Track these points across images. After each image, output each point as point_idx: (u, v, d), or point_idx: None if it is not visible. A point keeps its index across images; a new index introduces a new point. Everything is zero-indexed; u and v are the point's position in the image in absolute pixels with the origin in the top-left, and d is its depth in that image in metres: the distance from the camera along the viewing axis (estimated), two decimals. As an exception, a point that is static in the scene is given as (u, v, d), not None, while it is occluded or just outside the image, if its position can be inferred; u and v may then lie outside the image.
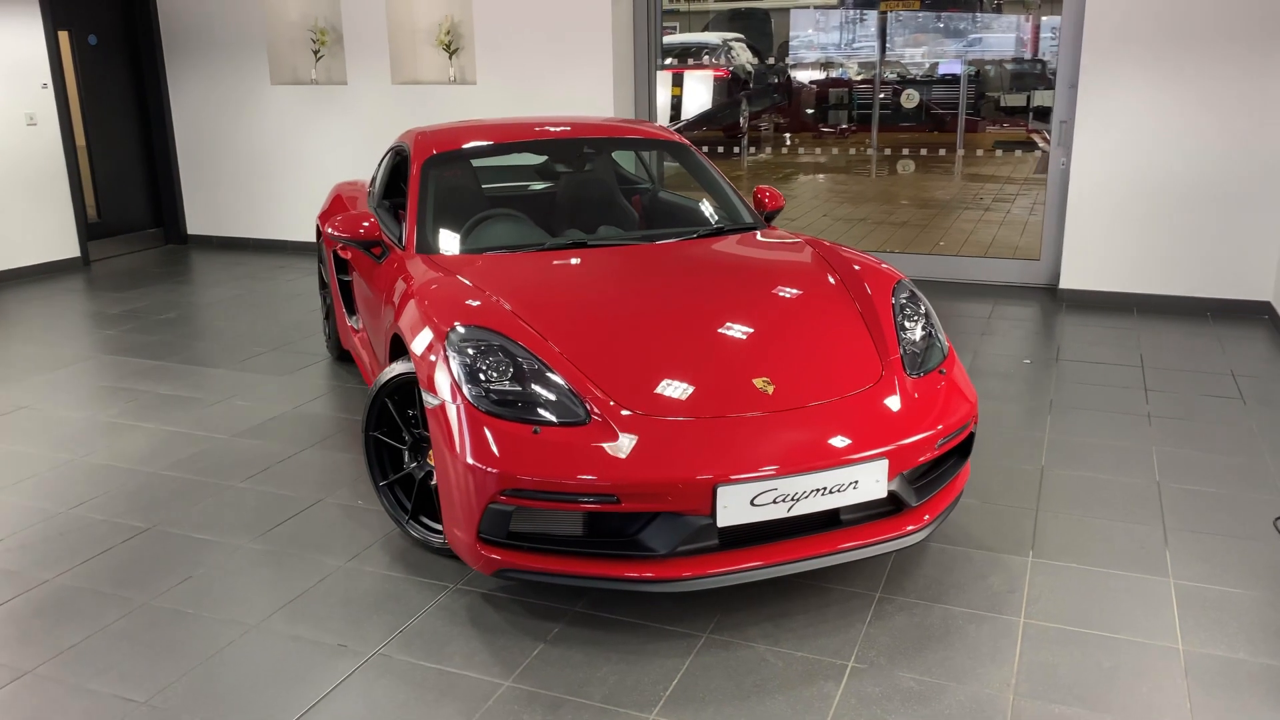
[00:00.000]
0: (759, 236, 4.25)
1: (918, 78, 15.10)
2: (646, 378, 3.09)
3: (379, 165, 5.44)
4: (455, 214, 4.29)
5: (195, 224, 9.52)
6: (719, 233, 4.25)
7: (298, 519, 3.81)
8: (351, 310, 5.17)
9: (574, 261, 3.89)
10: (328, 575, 3.40)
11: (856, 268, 3.74)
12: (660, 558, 2.87)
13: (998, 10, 17.09)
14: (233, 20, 8.73)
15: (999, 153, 15.48)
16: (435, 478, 3.17)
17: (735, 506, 2.83)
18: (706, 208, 4.60)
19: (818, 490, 2.90)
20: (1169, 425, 4.60)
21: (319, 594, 3.29)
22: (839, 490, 2.93)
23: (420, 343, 3.27)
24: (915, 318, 3.52)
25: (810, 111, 13.33)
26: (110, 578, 3.41)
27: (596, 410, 2.96)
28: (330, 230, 4.21)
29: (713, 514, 2.83)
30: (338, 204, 5.54)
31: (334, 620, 3.13)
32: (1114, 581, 3.28)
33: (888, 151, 12.16)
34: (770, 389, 3.07)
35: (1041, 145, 14.59)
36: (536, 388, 3.03)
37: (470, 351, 3.12)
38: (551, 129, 4.68)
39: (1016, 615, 3.10)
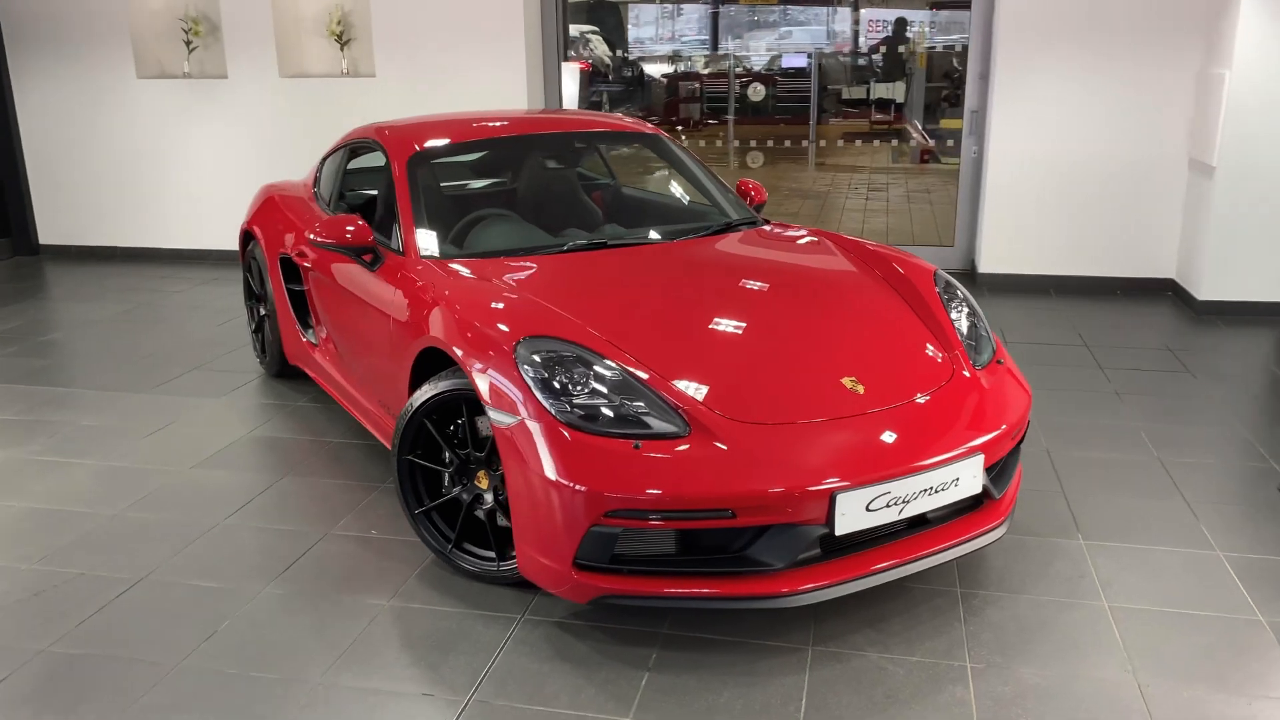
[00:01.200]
0: (773, 231, 4.14)
1: (766, 71, 15.41)
2: (733, 382, 2.94)
3: (321, 164, 5.03)
4: (447, 215, 4.00)
5: (48, 233, 8.63)
6: (727, 228, 4.10)
7: (311, 556, 3.46)
8: (306, 323, 4.76)
9: (607, 263, 3.67)
10: (375, 617, 3.09)
11: (895, 263, 3.69)
12: (776, 572, 2.73)
13: (854, 5, 17.67)
14: (87, 9, 7.93)
15: (858, 143, 15.97)
16: (510, 500, 2.91)
17: (852, 513, 2.72)
18: (685, 202, 4.44)
19: (925, 490, 2.83)
20: (1140, 402, 4.79)
21: (375, 639, 2.98)
22: (943, 489, 2.87)
23: (478, 356, 2.99)
24: (959, 307, 3.50)
25: (665, 105, 13.40)
26: (118, 641, 2.99)
27: (695, 420, 2.78)
28: (314, 236, 3.84)
29: (830, 522, 2.71)
30: (270, 207, 5.09)
31: (405, 667, 2.84)
32: (1169, 559, 3.36)
33: (752, 144, 12.32)
34: (860, 389, 2.98)
35: (915, 136, 15.18)
36: (624, 399, 2.82)
37: (545, 363, 2.89)
38: (529, 123, 4.43)
39: (1098, 600, 3.12)
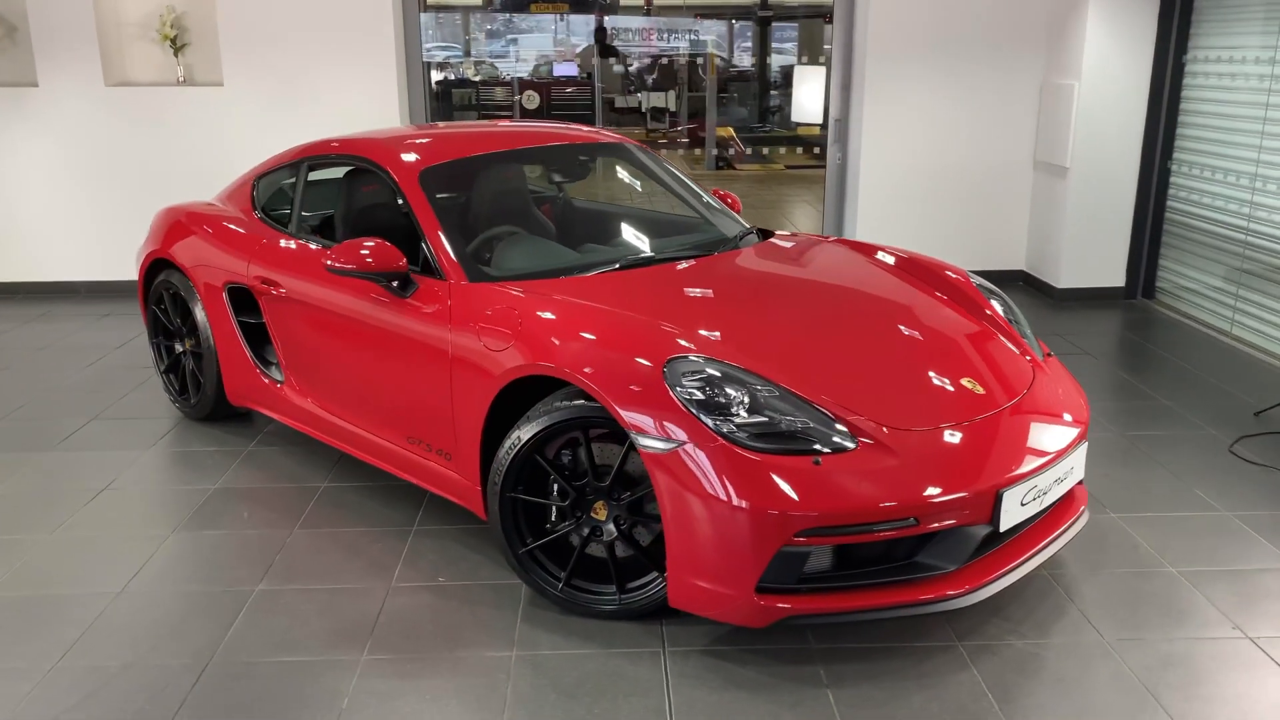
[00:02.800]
0: (798, 240, 4.16)
1: (539, 79, 15.50)
2: (872, 391, 2.97)
3: (256, 182, 4.56)
4: (471, 234, 3.75)
5: None
6: (735, 241, 4.06)
7: (389, 615, 3.15)
8: (264, 358, 4.30)
9: (676, 280, 3.56)
10: (509, 671, 2.86)
11: (932, 266, 3.84)
12: (951, 573, 2.79)
13: (646, 12, 17.96)
14: None
15: (663, 152, 16.33)
16: (668, 529, 2.79)
17: (1012, 509, 2.83)
18: (689, 213, 4.33)
19: (1056, 480, 2.98)
20: (1069, 383, 5.24)
21: (528, 694, 2.76)
22: (1063, 480, 3.04)
23: (616, 381, 2.84)
24: (1001, 305, 3.70)
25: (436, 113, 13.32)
26: (231, 737, 2.60)
27: (859, 431, 2.79)
28: (333, 264, 3.48)
29: (994, 520, 2.80)
30: (189, 232, 4.56)
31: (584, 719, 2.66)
32: (1195, 523, 3.72)
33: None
34: (980, 389, 3.09)
35: (734, 144, 15.64)
36: (785, 415, 2.78)
37: (700, 384, 2.79)
38: (519, 136, 4.23)
39: (1190, 565, 3.39)
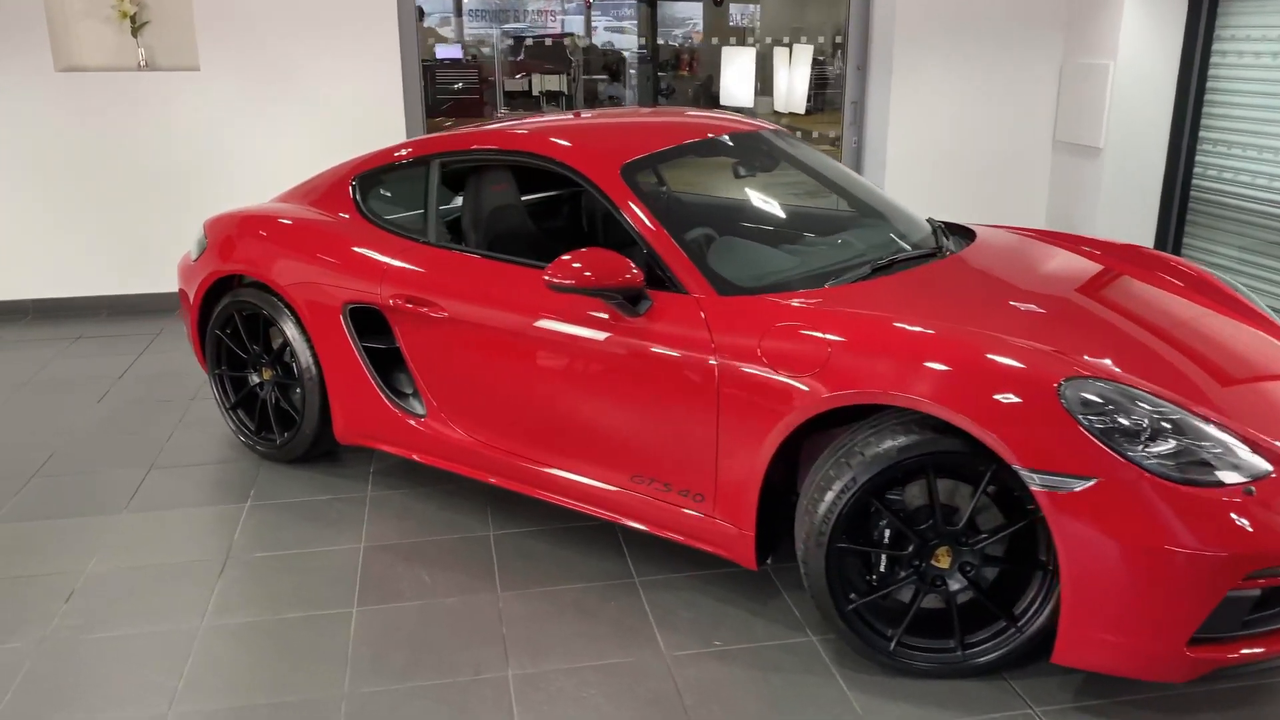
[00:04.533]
0: (1008, 231, 3.80)
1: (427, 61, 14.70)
2: (1247, 404, 2.68)
3: (370, 184, 3.90)
4: (699, 238, 3.26)
5: None
6: (942, 237, 3.68)
7: (693, 695, 2.68)
8: (397, 389, 3.68)
9: (944, 282, 3.16)
10: (887, 753, 2.45)
11: (1172, 262, 3.59)
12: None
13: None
14: None
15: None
16: (1068, 581, 2.42)
17: None
18: (876, 207, 3.86)
19: None
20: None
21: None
22: None
23: (993, 409, 2.45)
24: (1248, 298, 3.50)
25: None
26: None
27: (1270, 452, 2.49)
28: (559, 280, 2.95)
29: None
30: (257, 243, 3.89)
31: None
32: None
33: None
34: None
35: None
36: (1200, 441, 2.45)
37: (1104, 408, 2.43)
38: (698, 126, 3.73)
39: None
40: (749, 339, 2.81)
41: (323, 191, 4.01)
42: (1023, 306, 2.98)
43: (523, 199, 3.97)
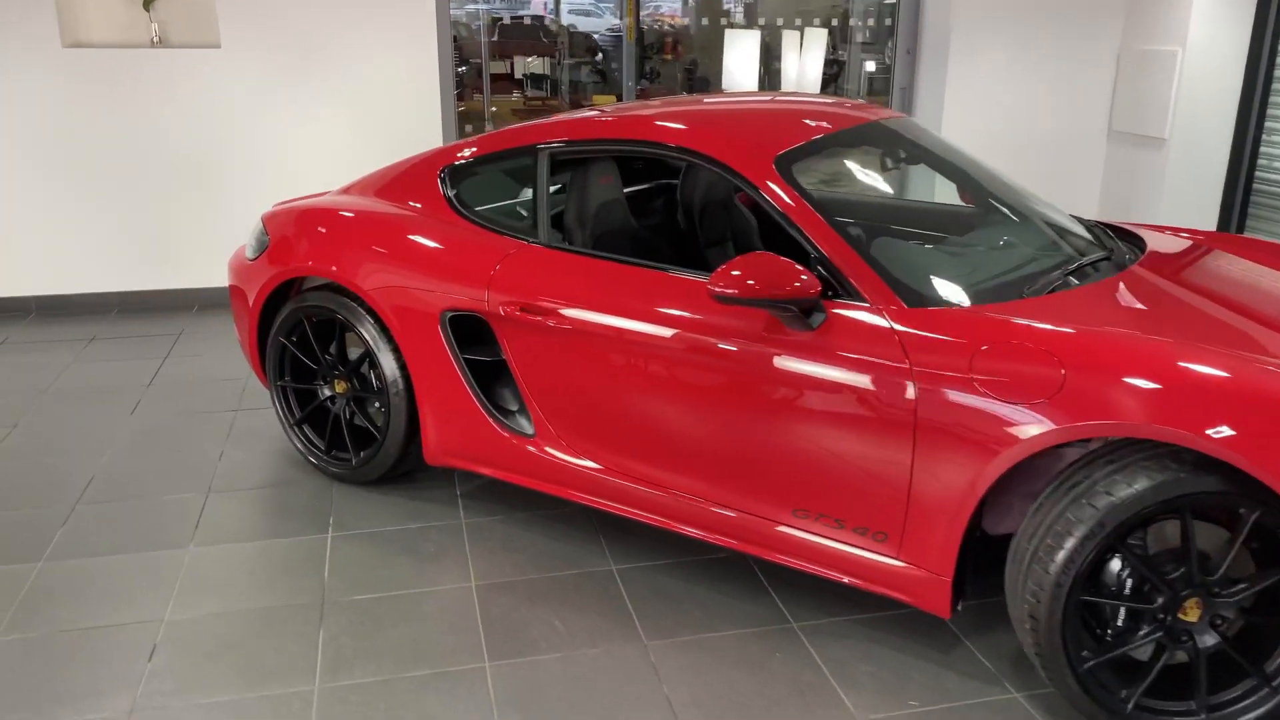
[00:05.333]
0: (1167, 237, 3.46)
1: None
2: None
3: (462, 176, 3.49)
4: (874, 242, 2.90)
5: None
6: (1106, 238, 3.34)
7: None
8: (500, 405, 3.30)
9: (1156, 294, 2.83)
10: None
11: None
12: None
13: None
14: None
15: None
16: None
17: None
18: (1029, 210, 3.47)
19: None
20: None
21: None
22: None
23: (1275, 445, 2.12)
24: None
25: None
26: None
27: None
28: (723, 290, 2.59)
29: None
30: (330, 241, 3.49)
31: None
32: None
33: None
34: None
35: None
36: None
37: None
38: (840, 113, 3.36)
39: None
40: (956, 359, 2.46)
41: (403, 184, 3.60)
42: (1252, 323, 2.66)
43: (603, 189, 3.59)
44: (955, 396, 2.44)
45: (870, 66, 11.48)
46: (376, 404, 3.61)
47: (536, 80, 17.99)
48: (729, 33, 14.34)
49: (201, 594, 3.01)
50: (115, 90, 5.55)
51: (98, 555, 3.21)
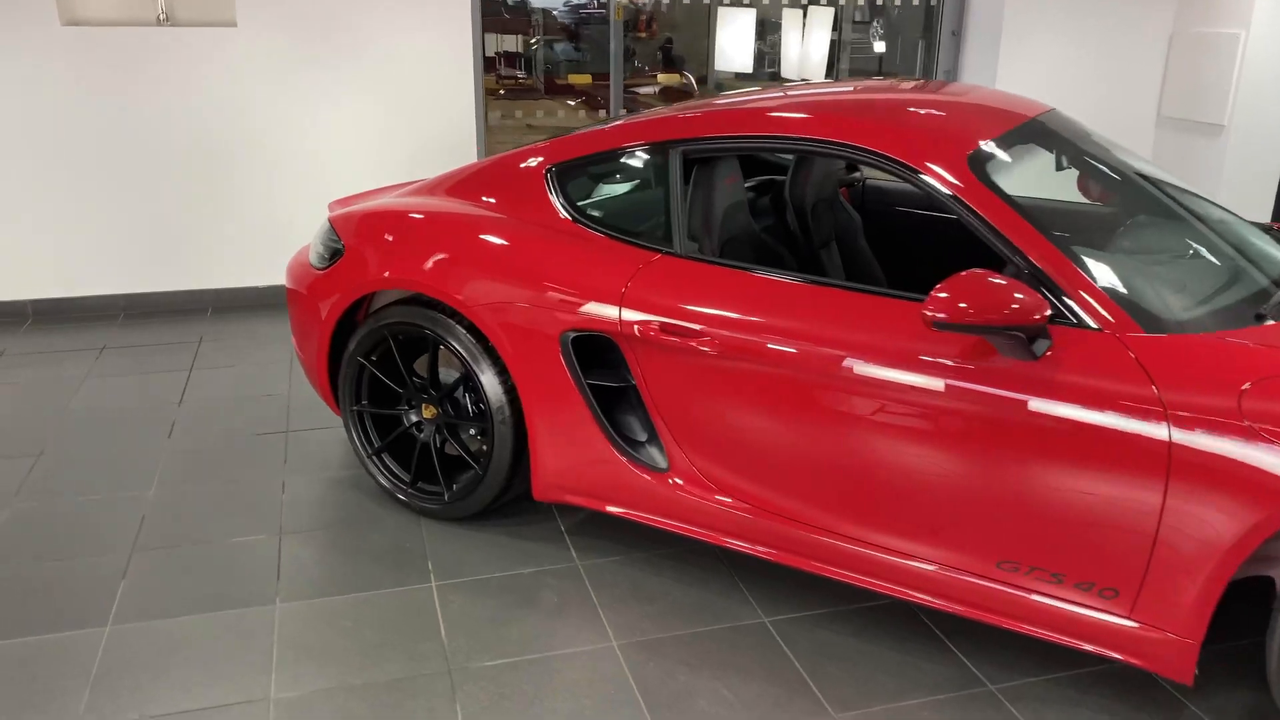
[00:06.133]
0: None
1: None
2: None
3: (573, 176, 3.10)
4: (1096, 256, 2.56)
5: None
6: None
7: None
8: (624, 435, 2.93)
9: None
10: None
11: None
12: None
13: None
14: None
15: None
16: None
17: None
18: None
19: None
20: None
21: None
22: None
23: None
24: None
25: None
26: None
27: None
28: (934, 315, 2.24)
29: None
30: (418, 248, 3.10)
31: None
32: None
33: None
34: None
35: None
36: None
37: None
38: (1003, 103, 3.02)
39: None
40: (1220, 398, 2.14)
41: (498, 185, 3.19)
42: None
43: (728, 189, 3.22)
44: (1223, 440, 2.12)
45: (880, 47, 11.17)
46: (471, 430, 3.22)
47: (509, 59, 17.47)
48: (723, 10, 13.90)
49: (305, 663, 2.61)
50: (118, 73, 5.04)
51: (172, 616, 2.79)
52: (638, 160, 3.04)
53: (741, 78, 15.79)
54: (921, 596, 2.57)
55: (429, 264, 3.06)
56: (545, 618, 2.80)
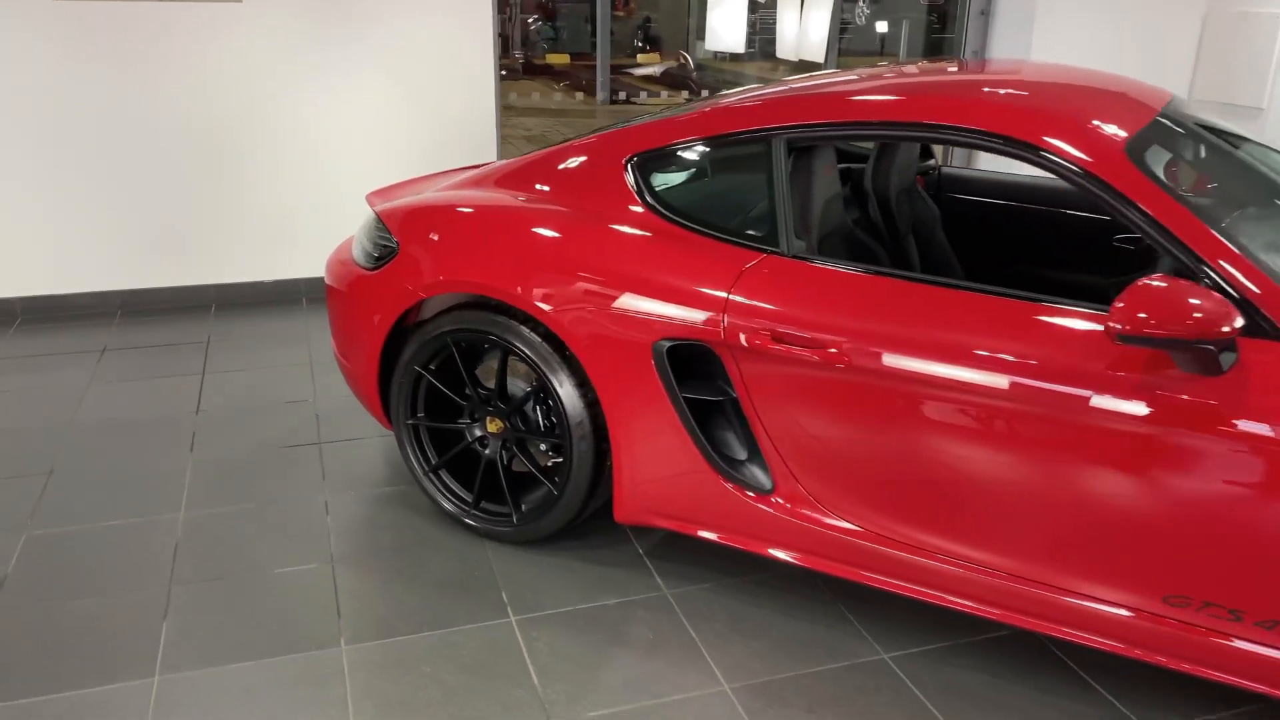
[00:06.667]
0: None
1: None
2: None
3: (660, 167, 2.81)
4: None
5: None
6: None
7: None
8: (721, 453, 2.66)
9: None
10: None
11: None
12: None
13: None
14: None
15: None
16: None
17: None
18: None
19: None
20: None
21: None
22: None
23: None
24: None
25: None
26: None
27: None
28: (1120, 326, 2.00)
29: None
30: (482, 248, 2.80)
31: None
32: None
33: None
34: None
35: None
36: None
37: None
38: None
39: None
40: None
41: (567, 176, 2.90)
42: None
43: (823, 183, 2.95)
44: None
45: (882, 27, 10.90)
46: (542, 446, 2.94)
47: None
48: (711, -10, 13.48)
49: (386, 714, 2.32)
50: (113, 53, 4.66)
51: (226, 662, 2.49)
52: (734, 150, 2.75)
53: (733, 58, 15.40)
54: (1071, 632, 2.34)
55: (502, 265, 2.76)
56: (643, 657, 2.54)
